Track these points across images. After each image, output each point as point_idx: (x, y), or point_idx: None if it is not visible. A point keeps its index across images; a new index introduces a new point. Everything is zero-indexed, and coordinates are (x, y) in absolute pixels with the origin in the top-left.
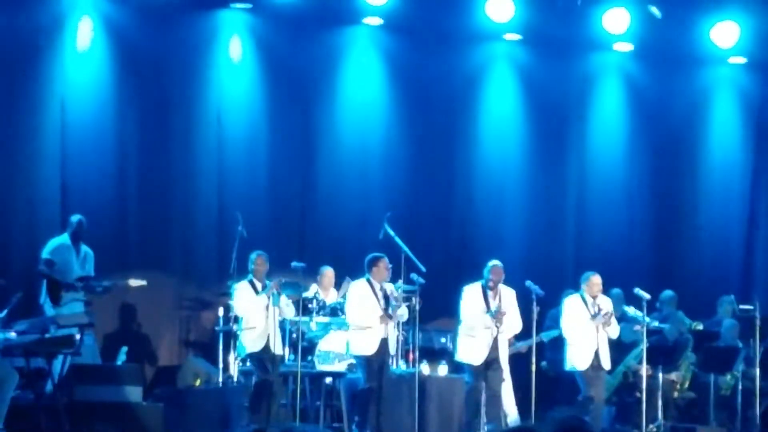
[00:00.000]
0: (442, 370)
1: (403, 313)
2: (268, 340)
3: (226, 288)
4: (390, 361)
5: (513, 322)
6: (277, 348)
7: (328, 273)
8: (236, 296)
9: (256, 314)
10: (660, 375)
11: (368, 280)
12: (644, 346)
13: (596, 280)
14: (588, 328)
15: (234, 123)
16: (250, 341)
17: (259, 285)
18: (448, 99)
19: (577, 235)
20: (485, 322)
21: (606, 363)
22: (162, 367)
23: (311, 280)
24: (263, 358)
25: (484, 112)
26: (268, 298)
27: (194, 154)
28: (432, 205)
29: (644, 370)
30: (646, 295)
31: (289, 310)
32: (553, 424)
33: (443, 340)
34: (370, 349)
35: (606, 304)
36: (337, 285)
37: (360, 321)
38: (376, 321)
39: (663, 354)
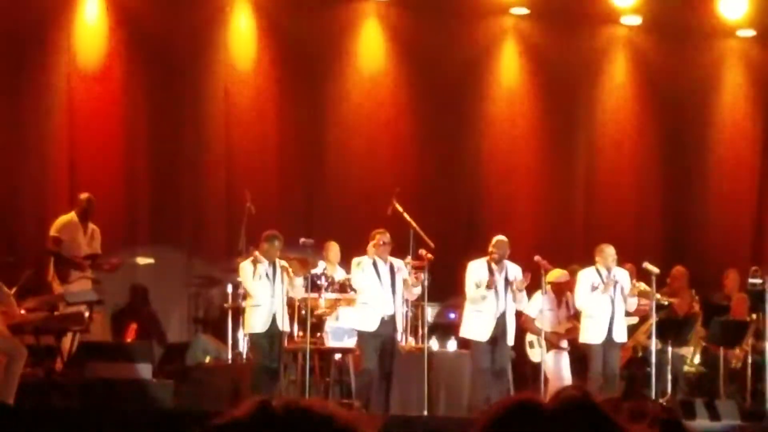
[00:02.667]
0: (451, 346)
1: (416, 291)
2: (274, 318)
3: (234, 264)
4: (398, 337)
5: (519, 298)
6: (285, 325)
7: (333, 247)
8: (246, 275)
9: (261, 291)
10: (669, 349)
11: (371, 256)
12: (653, 320)
13: (609, 250)
14: (601, 301)
15: (241, 99)
16: (254, 320)
17: (264, 263)
18: (455, 74)
19: (586, 211)
20: (488, 296)
21: (620, 336)
22: (171, 344)
23: (320, 256)
24: (263, 342)
25: (492, 87)
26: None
27: (202, 130)
28: (440, 181)
29: (654, 344)
30: (656, 270)
31: (295, 291)
32: (558, 398)
33: (452, 316)
34: (371, 324)
35: (623, 276)
36: (345, 262)
37: (364, 297)
38: (377, 288)
39: (672, 329)
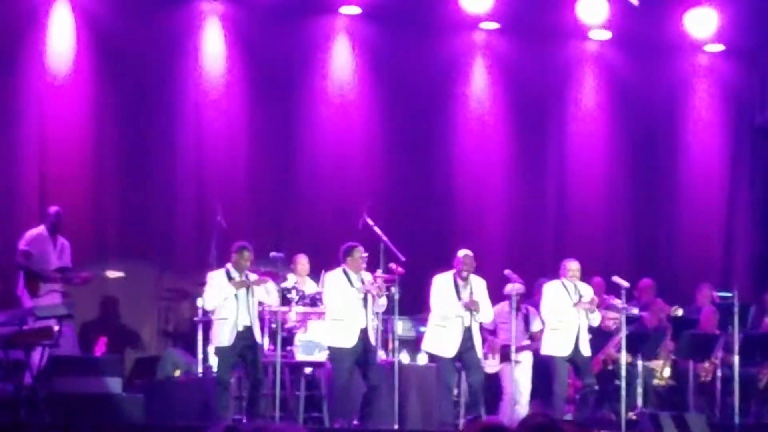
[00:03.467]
0: (422, 358)
1: (382, 303)
2: (244, 331)
3: (204, 278)
4: (376, 350)
5: (484, 312)
6: (257, 337)
7: (302, 260)
8: (206, 295)
9: (227, 304)
10: (639, 363)
11: (344, 271)
12: (623, 334)
13: (574, 265)
14: (569, 315)
15: (212, 113)
16: (220, 334)
17: (236, 275)
18: (427, 88)
19: (556, 224)
20: (456, 311)
21: (585, 349)
22: (141, 357)
23: (289, 270)
24: (229, 354)
25: (463, 101)
26: (247, 288)
27: (173, 144)
28: (411, 195)
29: (623, 357)
30: (625, 283)
31: (271, 298)
32: (524, 425)
33: (422, 329)
34: (349, 340)
35: (587, 290)
36: (315, 275)
37: (338, 312)
38: (350, 300)
39: (642, 342)
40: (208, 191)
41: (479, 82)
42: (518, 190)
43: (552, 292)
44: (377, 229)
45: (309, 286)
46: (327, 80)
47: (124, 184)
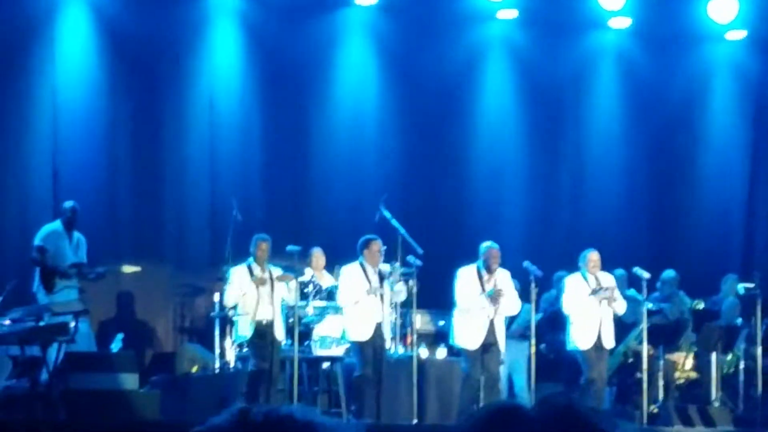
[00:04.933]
0: (441, 353)
1: (400, 290)
2: (263, 325)
3: (221, 273)
4: (386, 345)
5: (510, 303)
6: (278, 332)
7: (318, 254)
8: (227, 291)
9: (247, 299)
10: (661, 355)
11: (361, 264)
12: (645, 326)
13: (594, 256)
14: (590, 306)
15: (226, 107)
16: (244, 328)
17: (258, 270)
18: (442, 80)
19: (574, 215)
20: (481, 304)
21: (608, 341)
22: (158, 353)
23: (305, 264)
24: (260, 344)
25: (480, 93)
26: (266, 283)
27: (186, 138)
28: (428, 187)
29: (645, 350)
30: (646, 275)
31: (292, 295)
32: (542, 404)
33: (441, 322)
34: (365, 334)
35: (607, 280)
36: (330, 268)
37: (350, 302)
38: (363, 296)
39: (664, 334)
40: (222, 186)
41: (496, 74)
42: (535, 181)
43: (572, 285)
44: (394, 222)
45: (326, 280)
46: (342, 72)
47: (139, 179)
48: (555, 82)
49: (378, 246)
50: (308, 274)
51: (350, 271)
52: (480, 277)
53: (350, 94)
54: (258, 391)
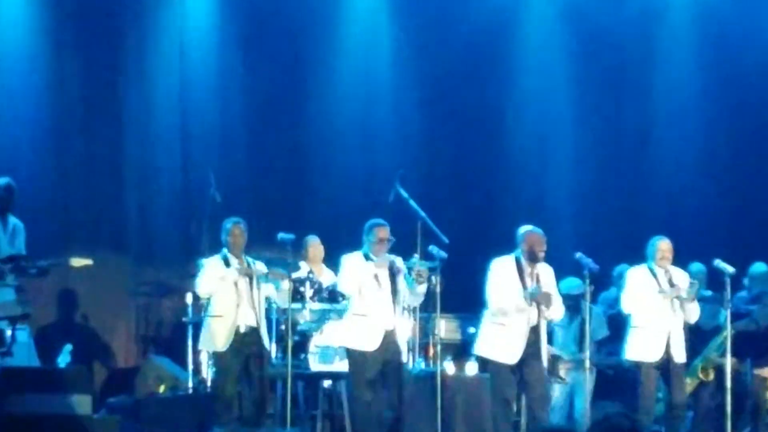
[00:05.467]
0: (471, 368)
1: (421, 291)
2: (240, 334)
3: (194, 268)
4: (403, 358)
5: (556, 306)
6: (264, 341)
7: (314, 243)
8: (200, 278)
9: (224, 298)
10: (749, 370)
11: (365, 255)
12: (728, 333)
13: (664, 245)
14: (659, 308)
15: (201, 62)
16: (216, 335)
17: (235, 261)
18: (473, 34)
19: (637, 196)
20: (520, 305)
21: (679, 355)
22: (116, 369)
23: (300, 256)
24: (230, 362)
25: (518, 50)
26: (250, 277)
27: (151, 99)
28: (454, 163)
29: (729, 364)
30: (730, 269)
31: (282, 294)
32: (599, 426)
33: (471, 330)
34: (371, 342)
35: (681, 277)
36: (332, 262)
37: (358, 306)
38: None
39: (753, 344)
40: (197, 159)
41: (540, 28)
42: (588, 154)
43: (636, 279)
44: (413, 203)
45: (326, 276)
46: (349, 23)
47: (92, 151)
48: (613, 32)
49: (384, 233)
50: (304, 269)
51: (352, 260)
52: (520, 271)
53: (357, 48)
54: (222, 421)
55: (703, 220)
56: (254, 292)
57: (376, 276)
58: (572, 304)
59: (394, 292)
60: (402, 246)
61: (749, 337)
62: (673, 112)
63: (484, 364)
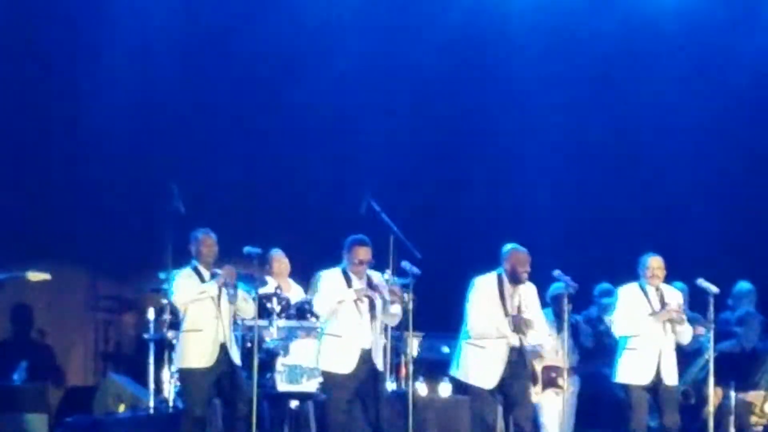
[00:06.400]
0: (445, 389)
1: (396, 312)
2: (220, 350)
3: (155, 282)
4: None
5: (538, 329)
6: (234, 357)
7: (279, 257)
8: (177, 286)
9: (203, 313)
10: (732, 394)
11: (344, 271)
12: (711, 355)
13: (656, 262)
14: (650, 329)
15: (162, 71)
16: (194, 352)
17: (206, 274)
18: (450, 30)
19: (617, 215)
20: (500, 329)
21: (671, 377)
22: (73, 387)
23: (265, 270)
24: (204, 379)
25: (500, 49)
26: (220, 289)
27: (110, 110)
28: (432, 172)
29: (711, 387)
30: (714, 289)
31: (248, 308)
32: None
33: (445, 349)
34: (347, 364)
35: (673, 296)
36: (300, 276)
37: (333, 326)
38: (349, 302)
39: (736, 367)
40: (157, 165)
41: (521, 25)
42: (570, 172)
43: (628, 298)
44: (385, 217)
45: (294, 292)
46: (319, 34)
47: (45, 152)
48: (598, 43)
49: (365, 252)
50: (271, 284)
51: (330, 276)
52: (501, 291)
53: (328, 57)
54: None
55: (686, 238)
56: (218, 306)
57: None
58: (559, 310)
59: (372, 308)
60: (373, 261)
61: (733, 360)
62: (658, 129)
63: (459, 385)
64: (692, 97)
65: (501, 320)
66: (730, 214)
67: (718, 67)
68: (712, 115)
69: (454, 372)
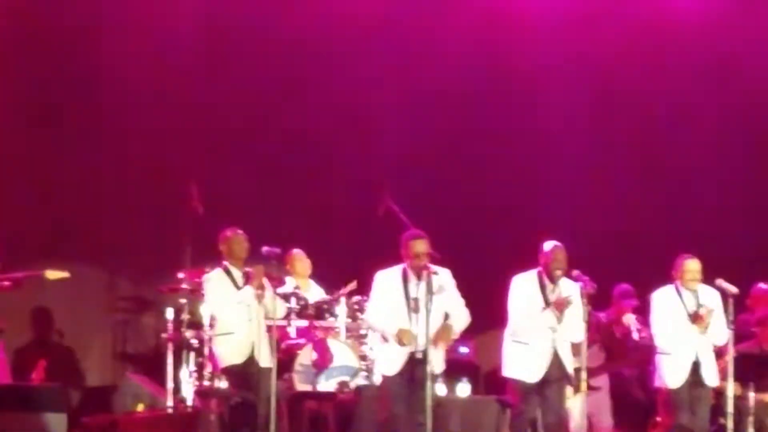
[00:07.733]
0: (463, 389)
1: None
2: (252, 349)
3: (174, 282)
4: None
5: (575, 326)
6: (264, 359)
7: (299, 256)
8: (212, 293)
9: (234, 315)
10: (751, 395)
11: (404, 270)
12: (731, 356)
13: (693, 265)
14: (686, 332)
15: (181, 71)
16: (228, 352)
17: (238, 274)
18: (474, 28)
19: (637, 216)
20: (544, 324)
21: (711, 377)
22: (92, 387)
23: (284, 271)
24: (246, 373)
25: (514, 71)
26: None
27: (125, 100)
28: (454, 168)
29: (730, 389)
30: (733, 289)
31: (278, 307)
32: None
33: (464, 349)
34: (390, 366)
35: (711, 298)
36: (321, 278)
37: (381, 314)
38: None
39: (755, 367)
40: (176, 166)
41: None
42: (588, 172)
43: (664, 302)
44: (404, 217)
45: (313, 292)
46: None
47: (64, 155)
48: (609, 51)
49: (422, 245)
50: (289, 284)
51: (385, 281)
52: (542, 288)
53: (351, 30)
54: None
55: (705, 239)
56: (256, 308)
57: (406, 295)
58: None
59: (428, 311)
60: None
61: (752, 361)
62: (676, 120)
63: (500, 384)
64: (716, 97)
65: (543, 314)
66: (750, 218)
67: (738, 66)
68: (737, 117)
69: (505, 371)
